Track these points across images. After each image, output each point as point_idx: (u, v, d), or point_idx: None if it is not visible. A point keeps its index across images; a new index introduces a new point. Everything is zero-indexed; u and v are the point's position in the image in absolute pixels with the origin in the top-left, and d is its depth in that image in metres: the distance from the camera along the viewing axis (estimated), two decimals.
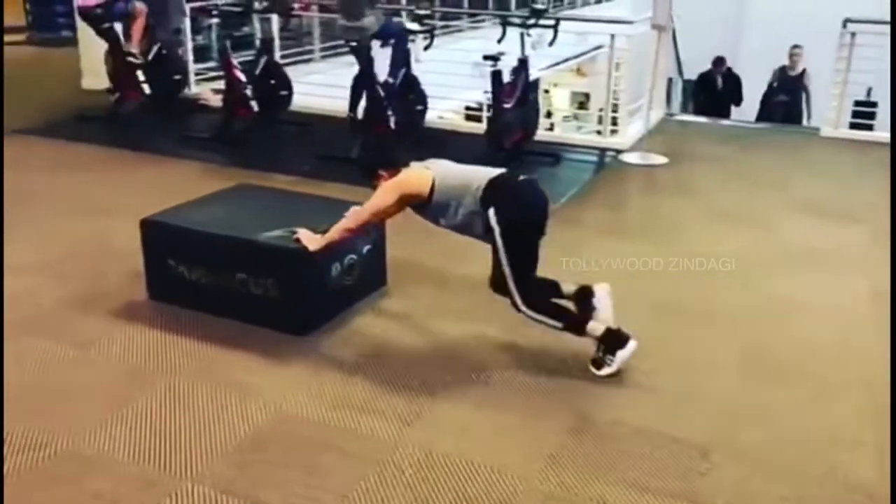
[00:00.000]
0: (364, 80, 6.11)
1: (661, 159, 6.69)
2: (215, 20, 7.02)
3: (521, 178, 3.45)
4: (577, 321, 3.37)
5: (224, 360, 3.47)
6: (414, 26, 6.38)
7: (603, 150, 7.05)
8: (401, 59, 6.11)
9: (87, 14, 6.80)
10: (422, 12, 6.63)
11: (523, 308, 3.32)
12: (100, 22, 6.80)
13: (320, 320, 3.72)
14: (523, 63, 6.18)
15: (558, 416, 3.10)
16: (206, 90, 8.22)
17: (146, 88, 7.34)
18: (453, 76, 7.22)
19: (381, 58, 5.86)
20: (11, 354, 3.41)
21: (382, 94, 5.96)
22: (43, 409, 3.09)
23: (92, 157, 6.48)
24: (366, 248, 3.92)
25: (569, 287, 3.47)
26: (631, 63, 7.13)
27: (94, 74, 8.31)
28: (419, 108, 6.63)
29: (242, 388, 3.24)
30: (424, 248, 4.36)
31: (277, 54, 7.68)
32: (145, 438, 2.91)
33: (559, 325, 3.35)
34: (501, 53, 6.04)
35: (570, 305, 3.47)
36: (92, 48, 8.03)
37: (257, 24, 7.14)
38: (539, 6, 6.57)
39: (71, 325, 3.76)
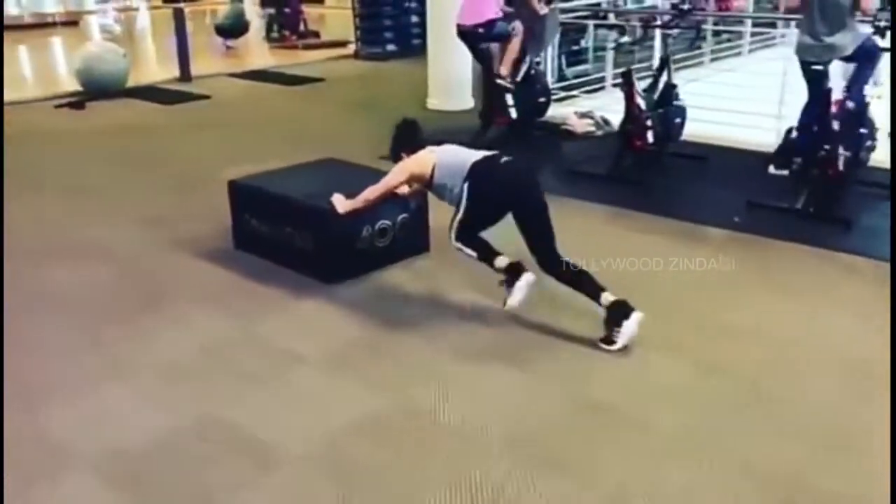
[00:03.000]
0: (816, 108, 5.11)
1: None
2: (624, 37, 6.02)
3: (504, 159, 3.78)
4: (491, 249, 3.74)
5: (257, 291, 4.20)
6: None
7: None
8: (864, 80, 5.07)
9: (466, 33, 6.60)
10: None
11: (454, 242, 3.76)
12: (478, 41, 6.54)
13: (348, 273, 4.25)
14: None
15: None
16: (570, 114, 7.27)
17: (513, 112, 6.74)
18: None
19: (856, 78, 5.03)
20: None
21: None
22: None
23: None
24: (401, 217, 4.39)
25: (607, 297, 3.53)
26: None
27: (441, 95, 8.15)
28: None
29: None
30: None
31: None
32: None
33: (477, 255, 3.75)
34: None
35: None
36: (440, 67, 7.82)
37: (658, 43, 5.94)
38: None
39: None
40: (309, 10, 15.52)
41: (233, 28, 13.37)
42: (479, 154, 3.75)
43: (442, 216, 4.02)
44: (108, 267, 4.53)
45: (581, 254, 4.07)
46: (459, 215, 3.70)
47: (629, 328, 3.42)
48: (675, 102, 6.01)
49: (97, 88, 9.22)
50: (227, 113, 8.67)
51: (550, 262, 3.63)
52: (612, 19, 7.26)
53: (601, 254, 4.28)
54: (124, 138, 7.58)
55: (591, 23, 8.46)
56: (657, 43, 6.16)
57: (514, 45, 6.61)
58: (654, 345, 3.50)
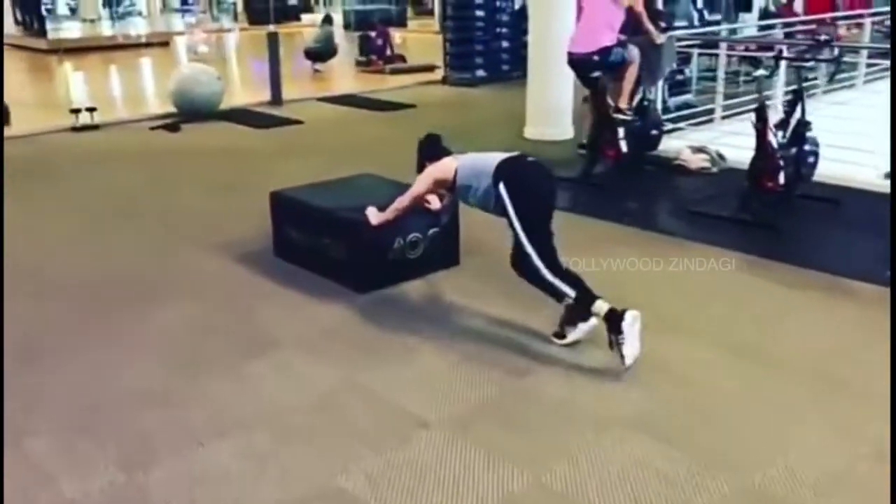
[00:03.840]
0: None
1: None
2: (760, 69, 5.48)
3: (529, 159, 3.91)
4: (590, 296, 3.57)
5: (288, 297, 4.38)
6: None
7: None
8: None
9: (578, 61, 6.23)
10: None
11: (544, 272, 3.62)
12: (592, 70, 6.17)
13: (379, 283, 4.39)
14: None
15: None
16: (683, 149, 6.81)
17: (624, 146, 6.34)
18: None
19: None
20: None
21: None
22: None
23: (582, 230, 5.29)
24: (431, 230, 4.51)
25: (601, 305, 3.53)
26: None
27: (540, 123, 7.80)
28: None
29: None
30: None
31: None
32: None
33: (572, 293, 3.59)
34: None
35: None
36: (540, 95, 7.49)
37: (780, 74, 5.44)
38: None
39: None
40: (392, 34, 15.48)
41: (322, 52, 13.37)
42: (502, 155, 3.82)
43: (472, 230, 4.29)
44: (204, 303, 4.32)
45: (717, 308, 3.72)
46: (517, 225, 3.64)
47: (632, 328, 3.44)
48: (808, 140, 5.55)
49: (191, 110, 9.21)
50: (320, 139, 8.52)
51: (555, 264, 3.65)
52: (736, 49, 6.79)
53: (740, 309, 3.89)
54: (219, 163, 7.48)
55: (695, 51, 8.05)
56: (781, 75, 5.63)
57: (632, 74, 6.25)
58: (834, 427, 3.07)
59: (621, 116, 6.30)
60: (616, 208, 5.72)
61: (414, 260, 4.51)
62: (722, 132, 7.87)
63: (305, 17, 23.96)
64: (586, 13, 6.24)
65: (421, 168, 4.13)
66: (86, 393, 3.41)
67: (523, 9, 12.59)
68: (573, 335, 3.69)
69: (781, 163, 5.31)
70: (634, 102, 6.44)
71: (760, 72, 5.24)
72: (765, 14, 13.59)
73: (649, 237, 5.22)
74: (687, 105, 8.53)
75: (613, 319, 3.45)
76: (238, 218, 5.67)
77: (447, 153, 4.09)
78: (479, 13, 11.80)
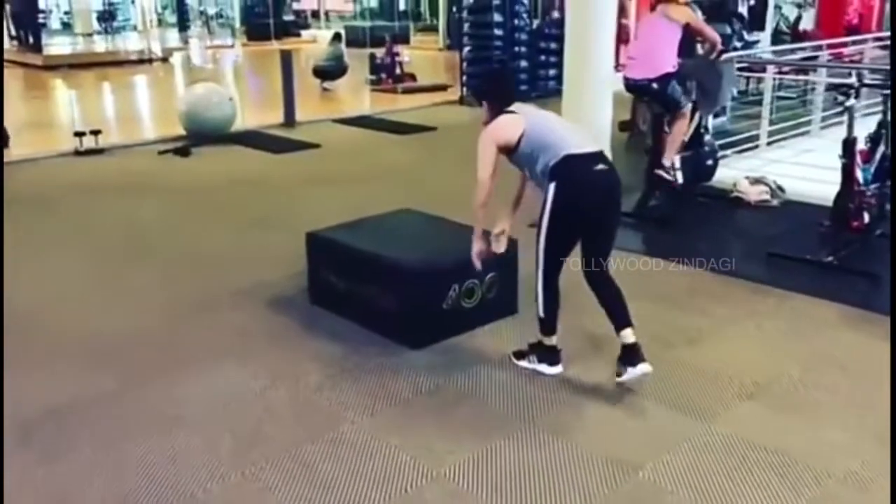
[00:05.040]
0: None
1: None
2: (851, 99, 4.86)
3: (600, 167, 3.41)
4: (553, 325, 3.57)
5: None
6: None
7: None
8: None
9: (637, 87, 5.72)
10: None
11: (539, 282, 3.49)
12: (649, 97, 5.67)
13: (434, 337, 3.93)
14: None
15: None
16: (741, 180, 6.35)
17: (679, 176, 5.85)
18: None
19: None
20: None
21: None
22: None
23: (658, 277, 4.84)
24: (489, 275, 4.04)
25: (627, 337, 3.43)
26: None
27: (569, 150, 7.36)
28: None
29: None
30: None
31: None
32: None
33: (542, 314, 3.54)
34: None
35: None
36: (574, 117, 6.92)
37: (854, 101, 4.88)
38: None
39: None
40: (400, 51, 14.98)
41: (332, 70, 12.88)
42: (573, 141, 3.41)
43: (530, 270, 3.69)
44: (247, 367, 3.79)
45: (833, 373, 3.38)
46: (544, 226, 3.41)
47: (634, 373, 3.39)
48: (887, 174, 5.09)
49: (201, 133, 8.69)
50: (342, 165, 8.00)
51: (597, 275, 3.48)
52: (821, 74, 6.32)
53: (859, 375, 3.41)
54: (238, 193, 6.93)
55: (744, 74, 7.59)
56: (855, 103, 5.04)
57: (682, 126, 5.79)
58: None
59: (663, 175, 5.82)
60: (686, 249, 5.17)
61: (470, 309, 4.05)
62: (767, 160, 7.47)
63: (305, 34, 23.49)
64: (643, 34, 5.81)
65: (479, 97, 3.67)
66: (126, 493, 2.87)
67: (540, 28, 12.19)
68: (532, 366, 3.64)
69: (872, 201, 4.84)
70: (691, 131, 5.97)
71: (852, 101, 4.75)
72: (776, 34, 13.25)
73: (733, 284, 4.70)
74: (723, 131, 8.08)
75: (545, 354, 3.58)
76: (267, 259, 5.15)
77: (512, 95, 3.61)
78: (498, 32, 11.33)
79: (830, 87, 5.04)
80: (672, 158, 5.85)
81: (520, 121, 3.45)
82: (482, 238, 3.63)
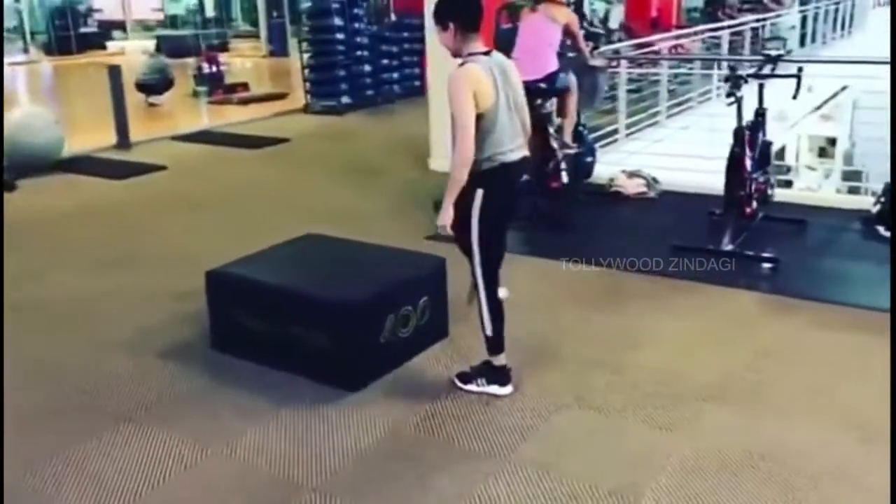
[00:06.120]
0: None
1: None
2: (740, 91, 4.94)
3: (525, 178, 3.42)
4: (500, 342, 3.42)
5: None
6: None
7: None
8: None
9: (526, 90, 5.66)
10: None
11: (484, 304, 3.37)
12: (539, 97, 5.59)
13: (372, 375, 3.60)
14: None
15: None
16: (617, 174, 6.53)
17: (565, 176, 5.83)
18: None
19: None
20: None
21: None
22: None
23: (575, 279, 4.76)
24: (422, 300, 3.81)
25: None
26: None
27: (444, 157, 7.41)
28: None
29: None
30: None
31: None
32: None
33: (489, 332, 3.40)
34: None
35: None
36: (444, 124, 7.10)
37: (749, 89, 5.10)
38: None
39: None
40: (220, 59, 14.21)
41: (157, 84, 11.94)
42: (519, 144, 3.30)
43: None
44: (155, 444, 3.27)
45: (774, 364, 3.45)
46: (475, 231, 3.26)
47: (490, 390, 3.43)
48: (772, 161, 5.31)
49: (24, 163, 7.67)
50: (197, 187, 7.33)
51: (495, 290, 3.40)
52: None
53: (799, 363, 3.49)
54: (84, 228, 6.12)
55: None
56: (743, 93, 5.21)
57: (574, 104, 5.79)
58: None
59: (568, 151, 5.82)
60: (587, 248, 5.10)
61: (406, 338, 3.76)
62: (627, 152, 7.66)
63: (112, 45, 21.82)
64: (525, 36, 5.70)
65: (442, 18, 3.18)
66: None
67: (380, 31, 11.93)
68: (482, 389, 3.46)
69: (763, 187, 5.01)
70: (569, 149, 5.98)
71: (742, 92, 4.88)
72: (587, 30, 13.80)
73: (647, 281, 4.68)
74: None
75: (494, 375, 3.44)
76: (142, 302, 4.53)
77: (478, 22, 3.20)
78: (340, 36, 10.94)
79: (726, 79, 5.12)
80: (570, 135, 5.86)
81: (492, 94, 3.16)
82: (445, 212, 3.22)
